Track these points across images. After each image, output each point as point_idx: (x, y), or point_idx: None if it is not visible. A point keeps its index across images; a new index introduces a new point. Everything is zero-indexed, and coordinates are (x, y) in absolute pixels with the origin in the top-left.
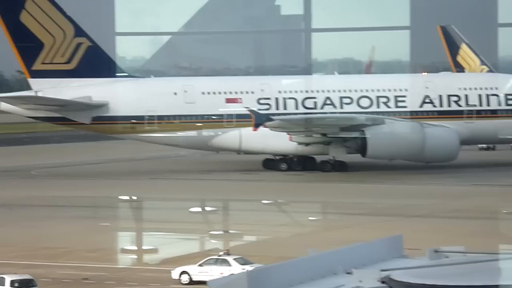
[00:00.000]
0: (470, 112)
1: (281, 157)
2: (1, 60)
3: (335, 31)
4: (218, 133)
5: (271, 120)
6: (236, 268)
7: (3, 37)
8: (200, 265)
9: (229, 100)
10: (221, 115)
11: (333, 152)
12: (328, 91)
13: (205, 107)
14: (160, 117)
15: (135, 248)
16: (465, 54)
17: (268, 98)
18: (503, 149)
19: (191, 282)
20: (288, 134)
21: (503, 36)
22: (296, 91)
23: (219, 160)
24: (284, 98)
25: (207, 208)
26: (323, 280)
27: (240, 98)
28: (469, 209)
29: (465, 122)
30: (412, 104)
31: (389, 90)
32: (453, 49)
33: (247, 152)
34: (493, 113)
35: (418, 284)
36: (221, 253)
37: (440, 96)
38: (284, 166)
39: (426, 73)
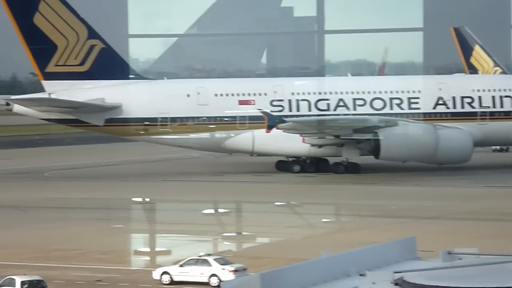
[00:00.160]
0: (483, 113)
1: (294, 159)
2: (14, 62)
3: (348, 32)
4: (231, 135)
5: (284, 122)
6: (216, 269)
7: (17, 39)
8: (181, 265)
9: (242, 102)
10: (234, 117)
11: (346, 154)
12: (341, 92)
13: (218, 109)
14: (173, 119)
15: (148, 250)
16: (479, 55)
17: (281, 100)
18: None
19: (172, 282)
20: (301, 136)
21: None
22: (309, 93)
23: (232, 162)
24: (297, 100)
25: (220, 210)
26: (336, 282)
27: (253, 100)
28: (482, 211)
29: (479, 124)
30: (426, 105)
31: (402, 92)
32: (467, 50)
33: (260, 154)
34: (506, 115)
35: (431, 286)
36: (201, 253)
37: (454, 98)
38: (297, 168)
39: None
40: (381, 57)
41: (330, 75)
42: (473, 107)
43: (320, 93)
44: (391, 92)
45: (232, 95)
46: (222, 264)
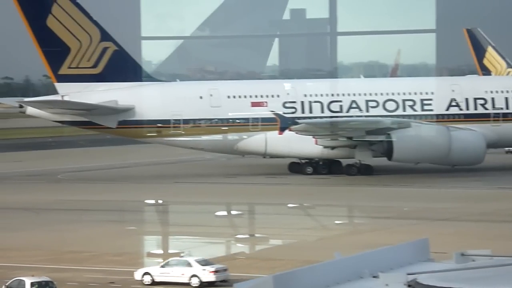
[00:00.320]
0: (496, 115)
1: (306, 160)
2: (27, 64)
3: (361, 34)
4: (244, 137)
5: (297, 123)
6: (197, 269)
7: (30, 41)
8: (162, 266)
9: (254, 104)
10: (247, 119)
11: (359, 156)
12: (354, 94)
13: (231, 111)
14: (186, 121)
15: (161, 252)
16: (492, 57)
17: (294, 102)
18: None
19: (153, 283)
20: (314, 137)
21: None
22: (321, 95)
23: (245, 163)
24: (310, 102)
25: (233, 212)
26: (349, 284)
27: (265, 102)
28: (495, 212)
29: (492, 125)
30: (438, 107)
31: (415, 94)
32: (479, 52)
33: (273, 156)
34: None
35: None
36: (182, 254)
37: (467, 99)
38: (310, 169)
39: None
40: (393, 59)
41: (342, 77)
42: (486, 109)
43: (332, 95)
44: (404, 93)
45: (245, 97)
46: (203, 265)
